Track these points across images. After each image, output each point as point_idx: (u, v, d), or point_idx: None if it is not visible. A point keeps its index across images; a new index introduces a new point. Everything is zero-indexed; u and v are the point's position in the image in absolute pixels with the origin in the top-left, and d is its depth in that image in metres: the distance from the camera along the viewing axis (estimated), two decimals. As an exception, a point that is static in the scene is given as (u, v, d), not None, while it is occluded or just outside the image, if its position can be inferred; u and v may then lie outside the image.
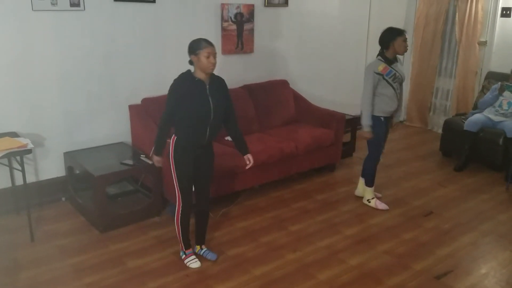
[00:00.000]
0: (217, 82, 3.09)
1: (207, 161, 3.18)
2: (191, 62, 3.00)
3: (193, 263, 3.28)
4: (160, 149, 3.14)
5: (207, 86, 3.00)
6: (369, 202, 4.29)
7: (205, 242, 3.43)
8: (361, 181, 4.38)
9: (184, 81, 2.98)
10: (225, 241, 3.63)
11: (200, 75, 2.97)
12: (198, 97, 2.96)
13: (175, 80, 3.01)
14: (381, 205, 4.24)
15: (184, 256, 3.31)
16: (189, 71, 3.02)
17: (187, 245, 3.32)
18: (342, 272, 3.26)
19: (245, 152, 3.28)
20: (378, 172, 5.13)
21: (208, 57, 2.91)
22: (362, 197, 4.38)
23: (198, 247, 3.39)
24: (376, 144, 4.12)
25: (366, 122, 3.97)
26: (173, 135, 3.06)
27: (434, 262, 3.41)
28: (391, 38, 3.93)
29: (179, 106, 2.96)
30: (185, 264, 3.28)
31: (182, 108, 2.95)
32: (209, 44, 2.95)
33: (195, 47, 2.93)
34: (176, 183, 3.13)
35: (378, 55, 4.01)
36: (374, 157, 4.19)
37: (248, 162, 3.28)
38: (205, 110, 2.97)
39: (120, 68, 4.35)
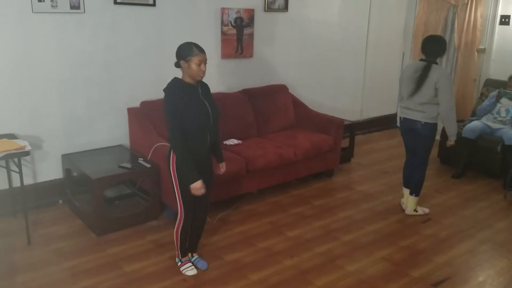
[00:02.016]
0: (205, 86, 3.03)
1: (207, 169, 3.11)
2: (177, 65, 2.91)
3: (189, 270, 3.24)
4: (195, 173, 2.89)
5: (200, 90, 2.95)
6: (417, 211, 4.29)
7: (197, 250, 3.39)
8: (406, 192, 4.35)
9: (178, 89, 2.88)
10: (222, 246, 3.63)
11: (190, 80, 2.90)
12: (195, 103, 2.89)
13: (168, 92, 2.87)
14: (426, 209, 4.34)
15: (180, 263, 3.28)
16: (176, 79, 2.93)
17: (184, 253, 3.29)
18: (339, 279, 3.25)
19: (220, 160, 3.29)
20: (376, 178, 5.14)
21: (199, 65, 2.83)
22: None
23: (189, 255, 3.34)
24: (430, 152, 4.18)
25: (456, 131, 4.03)
26: (172, 151, 2.95)
27: (431, 270, 3.41)
28: (446, 47, 4.06)
29: (183, 115, 2.84)
30: (181, 271, 3.26)
31: (184, 119, 2.85)
32: (201, 51, 2.85)
33: (186, 52, 2.84)
34: (179, 196, 3.04)
35: (431, 63, 3.88)
36: (427, 165, 4.20)
37: (222, 170, 3.30)
38: (205, 115, 2.91)
39: (119, 71, 4.35)
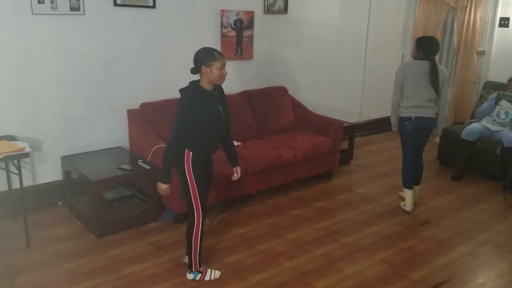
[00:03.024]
0: (219, 90, 3.04)
1: (210, 172, 3.15)
2: (195, 71, 2.90)
3: (218, 273, 3.22)
4: (169, 176, 2.98)
5: (216, 97, 2.96)
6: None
7: None
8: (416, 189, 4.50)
9: (196, 94, 2.87)
10: (221, 248, 3.62)
11: (208, 86, 2.89)
12: (211, 110, 2.91)
13: (187, 97, 2.86)
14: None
15: (200, 275, 3.17)
16: (196, 84, 2.91)
17: (200, 261, 3.20)
18: (339, 281, 3.25)
19: (235, 164, 3.25)
20: (376, 180, 5.14)
21: (221, 69, 2.84)
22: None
23: (187, 258, 3.22)
24: None
25: None
26: (187, 151, 2.93)
27: (431, 272, 3.40)
28: None
29: (195, 121, 2.85)
30: (205, 279, 3.17)
31: (199, 123, 2.86)
32: (222, 55, 2.87)
33: (208, 57, 2.82)
34: (195, 198, 3.00)
35: (434, 62, 4.11)
36: None
37: (236, 175, 3.26)
38: (218, 121, 2.95)
39: (119, 72, 4.35)
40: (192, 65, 2.90)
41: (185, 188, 3.02)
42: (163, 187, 2.99)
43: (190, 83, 2.94)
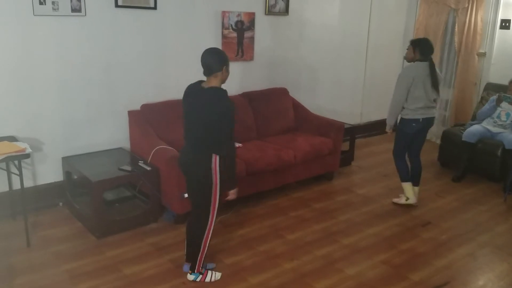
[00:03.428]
0: None
1: None
2: (213, 71, 2.85)
3: (218, 274, 3.23)
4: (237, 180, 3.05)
5: None
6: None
7: None
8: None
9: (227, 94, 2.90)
10: (222, 249, 3.62)
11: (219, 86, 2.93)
12: None
13: (231, 102, 2.85)
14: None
15: (201, 277, 3.18)
16: (222, 88, 2.89)
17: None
18: (339, 282, 3.25)
19: None
20: (376, 182, 5.13)
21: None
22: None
23: (191, 264, 3.20)
24: None
25: None
26: (214, 155, 2.88)
27: (431, 273, 3.40)
28: None
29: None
30: (205, 280, 3.17)
31: (234, 122, 2.91)
32: None
33: (227, 58, 2.90)
34: (215, 202, 3.01)
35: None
36: None
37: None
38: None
39: (120, 73, 4.36)
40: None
41: (206, 192, 2.97)
42: (234, 192, 3.07)
43: (210, 87, 2.87)
